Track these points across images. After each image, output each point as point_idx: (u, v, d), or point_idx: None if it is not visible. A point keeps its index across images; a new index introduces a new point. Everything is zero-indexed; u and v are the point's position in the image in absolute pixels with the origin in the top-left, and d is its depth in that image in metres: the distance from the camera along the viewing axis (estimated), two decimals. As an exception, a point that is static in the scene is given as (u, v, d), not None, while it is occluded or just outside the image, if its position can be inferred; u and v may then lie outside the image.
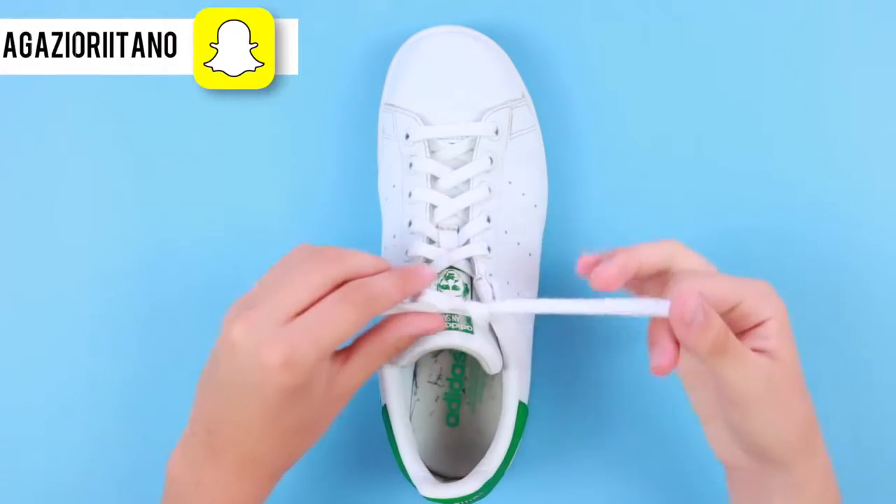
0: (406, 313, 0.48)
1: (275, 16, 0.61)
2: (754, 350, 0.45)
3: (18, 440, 0.61)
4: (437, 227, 0.54)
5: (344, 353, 0.48)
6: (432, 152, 0.55)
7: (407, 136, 0.56)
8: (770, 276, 0.59)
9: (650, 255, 0.47)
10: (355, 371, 0.48)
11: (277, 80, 0.61)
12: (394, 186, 0.57)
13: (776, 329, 0.45)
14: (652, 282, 0.48)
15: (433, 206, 0.54)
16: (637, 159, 0.61)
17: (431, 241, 0.54)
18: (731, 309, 0.45)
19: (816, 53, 0.61)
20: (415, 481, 0.52)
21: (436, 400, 0.58)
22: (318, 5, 0.62)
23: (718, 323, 0.43)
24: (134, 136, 0.62)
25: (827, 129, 0.61)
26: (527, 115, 0.58)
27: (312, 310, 0.44)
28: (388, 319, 0.49)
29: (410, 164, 0.55)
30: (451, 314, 0.51)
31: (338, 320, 0.44)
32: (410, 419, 0.56)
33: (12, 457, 0.61)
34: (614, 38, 0.61)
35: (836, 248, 0.60)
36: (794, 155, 0.61)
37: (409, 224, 0.55)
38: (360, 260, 0.47)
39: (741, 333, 0.45)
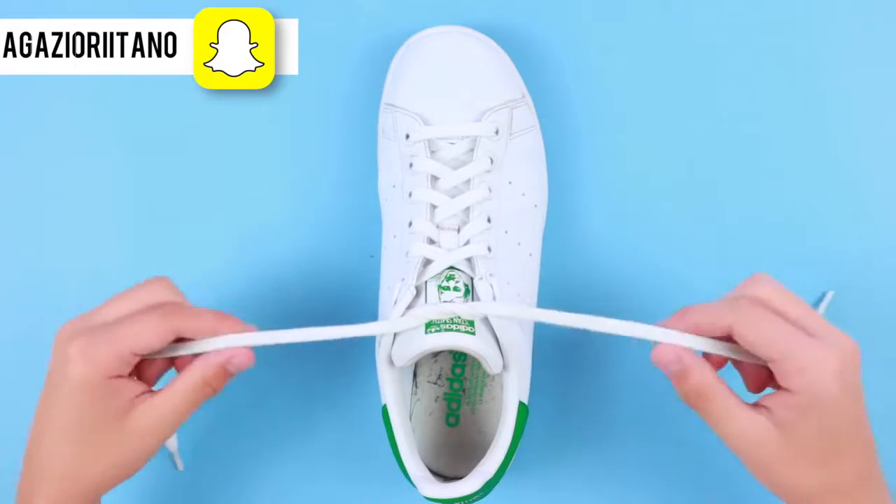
0: (217, 350, 0.48)
1: (275, 16, 0.61)
2: (764, 406, 0.44)
3: (18, 440, 0.61)
4: (437, 227, 0.54)
5: (161, 390, 0.48)
6: (432, 152, 0.55)
7: (407, 137, 0.56)
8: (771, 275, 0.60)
9: (706, 318, 0.46)
10: (161, 402, 0.47)
11: (277, 80, 0.61)
12: (394, 186, 0.57)
13: (793, 402, 0.43)
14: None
15: (433, 207, 0.54)
16: (637, 159, 0.61)
17: (432, 242, 0.54)
18: (773, 360, 0.44)
19: (817, 54, 0.61)
20: (415, 481, 0.52)
21: (436, 400, 0.58)
22: (318, 5, 0.62)
23: (697, 377, 0.44)
24: (134, 136, 0.62)
25: (826, 128, 0.61)
26: (527, 115, 0.58)
27: (122, 318, 0.47)
28: (198, 356, 0.48)
29: (411, 165, 0.55)
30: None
31: (137, 325, 0.46)
32: (410, 419, 0.56)
33: (13, 457, 0.61)
34: (614, 38, 0.61)
35: (835, 247, 0.60)
36: (794, 155, 0.61)
37: (410, 224, 0.55)
38: (188, 320, 0.48)
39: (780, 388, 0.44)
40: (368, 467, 0.61)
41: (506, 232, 0.55)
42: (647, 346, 0.47)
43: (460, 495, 0.51)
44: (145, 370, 0.50)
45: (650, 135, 0.61)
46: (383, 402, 0.54)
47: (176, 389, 0.48)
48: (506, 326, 0.52)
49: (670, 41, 0.61)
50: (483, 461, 0.52)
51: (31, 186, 0.62)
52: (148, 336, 0.46)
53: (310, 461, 0.61)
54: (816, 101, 0.61)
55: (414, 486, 0.52)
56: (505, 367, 0.53)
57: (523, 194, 0.57)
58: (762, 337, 0.44)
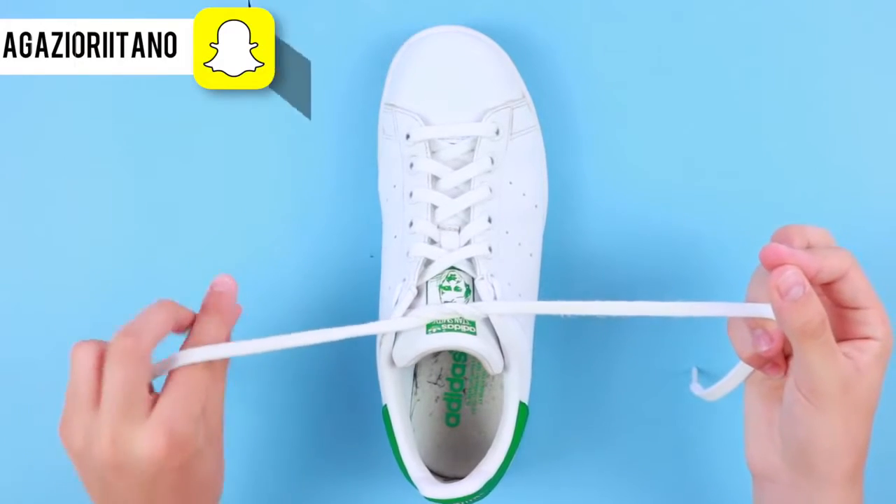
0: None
1: (275, 16, 0.61)
2: (846, 355, 0.45)
3: (19, 441, 0.61)
4: (438, 227, 0.54)
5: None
6: (433, 152, 0.55)
7: (408, 137, 0.56)
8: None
9: (831, 263, 0.45)
10: (166, 399, 0.45)
11: (277, 80, 0.61)
12: (394, 187, 0.57)
13: (877, 351, 0.45)
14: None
15: (434, 207, 0.54)
16: (637, 159, 0.61)
17: (432, 242, 0.54)
18: (853, 309, 0.45)
19: (817, 53, 0.61)
20: (415, 481, 0.52)
21: (436, 400, 0.58)
22: (318, 5, 0.62)
23: (816, 306, 0.43)
24: (134, 136, 0.62)
25: (827, 129, 0.61)
26: (527, 116, 0.58)
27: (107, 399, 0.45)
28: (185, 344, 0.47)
29: (411, 165, 0.55)
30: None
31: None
32: (410, 419, 0.56)
33: (13, 458, 0.61)
34: (614, 38, 0.61)
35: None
36: (794, 156, 0.61)
37: (410, 224, 0.55)
38: (147, 334, 0.46)
39: (843, 339, 0.45)
40: (368, 467, 0.61)
41: (506, 232, 0.55)
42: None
43: (460, 495, 0.51)
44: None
45: (650, 135, 0.61)
46: (383, 402, 0.54)
47: (175, 385, 0.46)
48: (506, 327, 0.52)
49: (670, 41, 0.61)
50: (483, 461, 0.52)
51: (31, 186, 0.62)
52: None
53: (310, 461, 0.61)
54: (818, 101, 0.61)
55: (414, 486, 0.52)
56: (505, 367, 0.53)
57: (524, 194, 0.57)
58: (866, 285, 0.45)
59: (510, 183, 0.56)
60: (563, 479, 0.60)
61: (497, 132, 0.56)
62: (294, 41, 0.62)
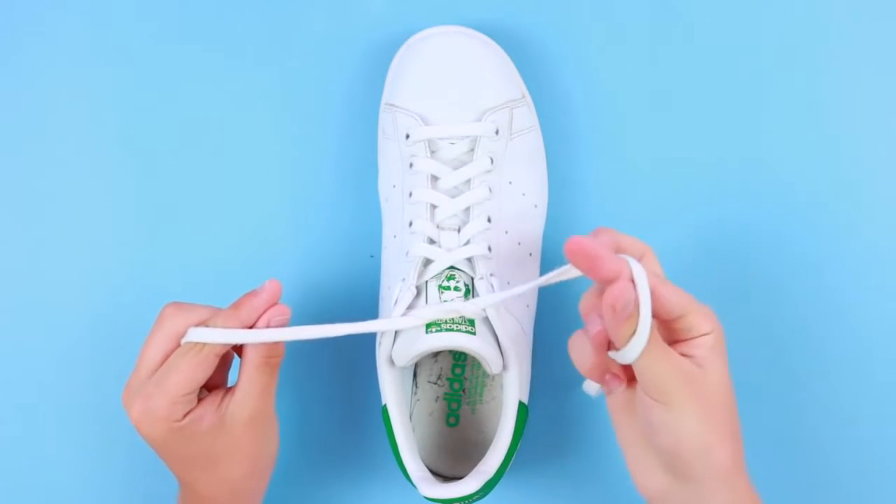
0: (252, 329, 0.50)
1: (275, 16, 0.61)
2: (682, 355, 0.45)
3: (19, 442, 0.61)
4: (437, 227, 0.54)
5: (234, 385, 0.51)
6: (433, 152, 0.55)
7: (407, 136, 0.56)
8: (768, 276, 0.60)
9: (628, 243, 0.47)
10: (241, 395, 0.50)
11: (277, 80, 0.62)
12: (394, 186, 0.57)
13: (710, 343, 0.45)
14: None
15: (434, 206, 0.54)
16: (637, 159, 0.61)
17: (432, 241, 0.54)
18: (675, 319, 0.45)
19: (817, 54, 0.61)
20: (415, 481, 0.52)
21: (436, 400, 0.58)
22: (318, 5, 0.62)
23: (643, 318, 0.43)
24: (134, 136, 0.62)
25: (827, 131, 0.61)
26: (527, 115, 0.58)
27: (163, 366, 0.49)
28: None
29: (411, 164, 0.55)
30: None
31: (178, 368, 0.48)
32: (410, 419, 0.56)
33: (13, 459, 0.61)
34: (614, 39, 0.61)
35: (835, 248, 0.60)
36: (793, 156, 0.61)
37: (410, 224, 0.55)
38: (196, 311, 0.50)
39: (675, 342, 0.46)
40: (368, 467, 0.61)
41: (506, 232, 0.55)
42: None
43: (460, 495, 0.51)
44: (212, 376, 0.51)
45: (650, 135, 0.61)
46: (383, 402, 0.54)
47: (248, 377, 0.50)
48: (506, 326, 0.52)
49: (670, 41, 0.61)
50: (483, 461, 0.52)
51: (31, 186, 0.62)
52: (190, 376, 0.48)
53: (310, 461, 0.61)
54: (818, 101, 0.61)
55: (414, 486, 0.52)
56: (505, 367, 0.53)
57: (523, 194, 0.57)
58: (675, 296, 0.45)
59: (510, 183, 0.56)
60: (562, 478, 0.60)
61: (497, 132, 0.56)
62: (294, 41, 0.62)
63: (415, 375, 0.58)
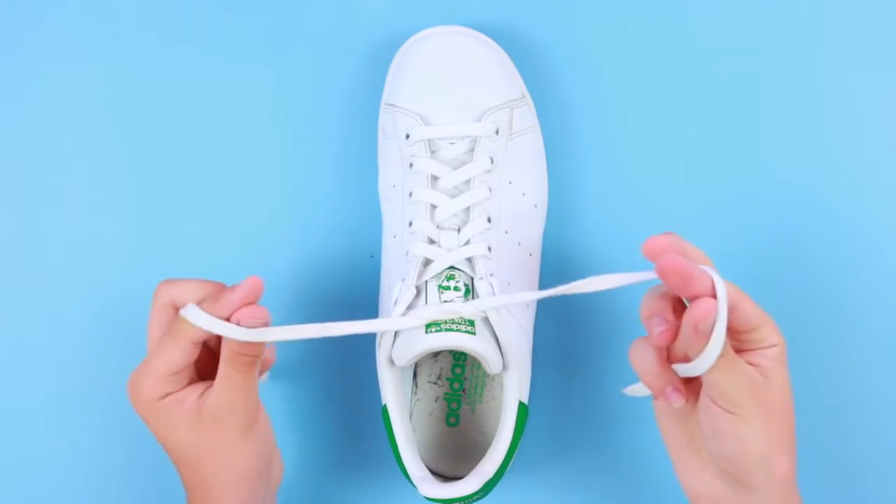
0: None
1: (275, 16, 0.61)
2: (749, 363, 0.45)
3: (20, 442, 0.61)
4: (437, 227, 0.54)
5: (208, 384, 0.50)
6: (433, 152, 0.55)
7: (407, 136, 0.56)
8: (769, 276, 0.60)
9: (690, 250, 0.46)
10: (216, 388, 0.49)
11: (277, 80, 0.62)
12: (394, 186, 0.57)
13: (776, 355, 0.46)
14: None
15: (433, 206, 0.54)
16: (637, 159, 0.61)
17: (432, 241, 0.54)
18: (749, 331, 0.45)
19: (817, 53, 0.61)
20: (415, 481, 0.52)
21: (436, 400, 0.58)
22: (318, 5, 0.62)
23: (722, 333, 0.43)
24: (133, 136, 0.62)
25: (827, 130, 0.61)
26: (527, 115, 0.58)
27: (156, 344, 0.50)
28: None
29: (411, 164, 0.55)
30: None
31: (161, 351, 0.48)
32: (410, 419, 0.56)
33: (14, 459, 0.61)
34: (614, 38, 0.61)
35: (836, 248, 0.60)
36: (794, 155, 0.61)
37: (410, 224, 0.55)
38: (181, 287, 0.50)
39: (741, 351, 0.46)
40: (368, 467, 0.61)
41: (506, 232, 0.55)
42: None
43: (460, 495, 0.51)
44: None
45: (650, 135, 0.61)
46: (383, 402, 0.54)
47: (224, 373, 0.49)
48: (506, 326, 0.52)
49: (670, 41, 0.61)
50: (483, 461, 0.52)
51: (31, 186, 0.62)
52: (172, 356, 0.48)
53: (309, 461, 0.61)
54: (818, 101, 0.61)
55: (414, 486, 0.52)
56: (505, 367, 0.53)
57: (523, 194, 0.57)
58: (753, 309, 0.45)
59: (510, 183, 0.56)
60: (562, 479, 0.60)
61: (497, 132, 0.56)
62: (294, 41, 0.62)
63: (415, 375, 0.58)
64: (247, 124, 0.62)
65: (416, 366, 0.58)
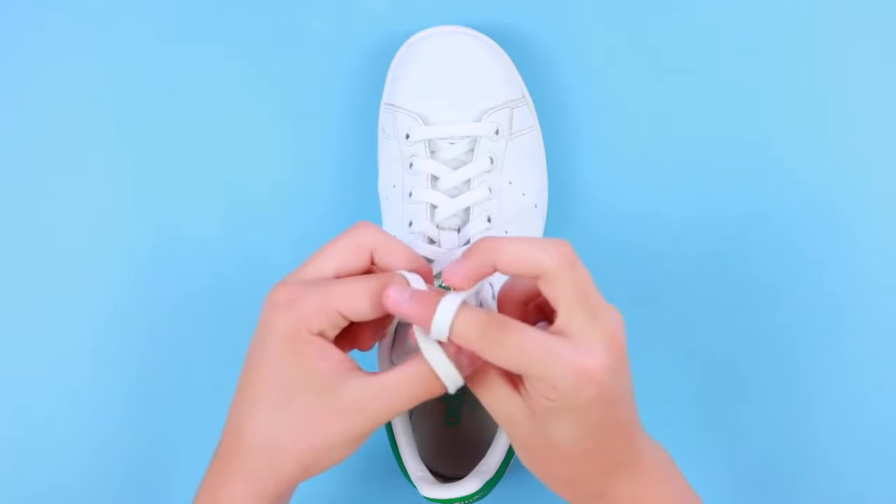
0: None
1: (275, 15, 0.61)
2: (521, 385, 0.42)
3: (21, 443, 0.61)
4: (437, 227, 0.54)
5: (374, 373, 0.44)
6: (433, 152, 0.55)
7: (407, 136, 0.56)
8: (769, 276, 0.60)
9: (512, 261, 0.41)
10: (379, 383, 0.42)
11: (277, 80, 0.62)
12: (394, 186, 0.57)
13: (549, 403, 0.40)
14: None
15: (433, 207, 0.55)
16: (637, 159, 0.61)
17: (432, 242, 0.54)
18: (533, 295, 0.44)
19: (816, 53, 0.61)
20: (415, 481, 0.52)
21: (436, 400, 0.58)
22: (318, 5, 0.62)
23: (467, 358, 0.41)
24: (134, 137, 0.62)
25: (828, 128, 0.61)
26: (527, 115, 0.58)
27: (335, 279, 0.43)
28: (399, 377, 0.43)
29: (411, 164, 0.55)
30: None
31: (349, 286, 0.42)
32: (410, 419, 0.56)
33: (15, 460, 0.61)
34: (615, 39, 0.61)
35: (836, 245, 0.60)
36: (795, 154, 0.61)
37: (410, 224, 0.55)
38: (390, 244, 0.44)
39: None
40: (368, 467, 0.61)
41: (506, 232, 0.55)
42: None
43: (460, 495, 0.51)
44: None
45: (650, 134, 0.61)
46: (383, 402, 0.54)
47: (403, 373, 0.42)
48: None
49: (670, 41, 0.61)
50: (483, 461, 0.52)
51: (31, 185, 0.62)
52: (359, 300, 0.42)
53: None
54: (818, 100, 0.61)
55: (414, 486, 0.52)
56: (505, 367, 0.53)
57: (523, 194, 0.57)
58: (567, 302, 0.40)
59: (510, 183, 0.56)
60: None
61: (497, 132, 0.56)
62: (294, 41, 0.62)
63: (415, 375, 0.58)
64: (247, 124, 0.62)
65: (416, 366, 0.58)
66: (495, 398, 0.43)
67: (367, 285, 0.42)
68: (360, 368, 0.43)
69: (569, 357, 0.40)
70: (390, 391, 0.42)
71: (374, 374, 0.43)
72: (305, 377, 0.42)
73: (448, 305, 0.40)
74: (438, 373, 0.42)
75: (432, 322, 0.40)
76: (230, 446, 0.44)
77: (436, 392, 0.42)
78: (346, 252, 0.44)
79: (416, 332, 0.42)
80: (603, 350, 0.40)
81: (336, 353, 0.43)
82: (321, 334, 0.42)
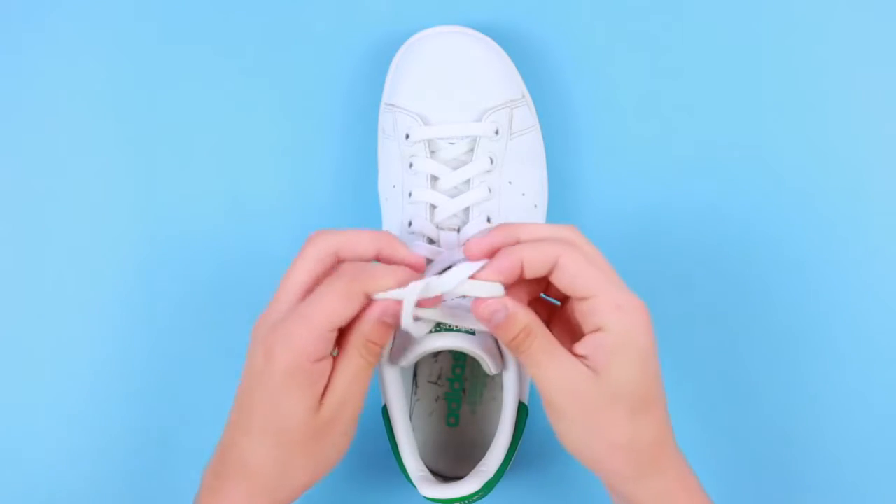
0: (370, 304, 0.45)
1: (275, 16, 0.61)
2: (579, 355, 0.44)
3: (22, 443, 0.61)
4: (437, 227, 0.54)
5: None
6: (432, 152, 0.55)
7: (407, 136, 0.56)
8: (769, 276, 0.60)
9: (534, 256, 0.44)
10: (341, 370, 0.45)
11: (277, 79, 0.62)
12: (394, 186, 0.57)
13: (609, 345, 0.43)
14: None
15: (433, 207, 0.54)
16: (637, 159, 0.61)
17: (432, 242, 0.54)
18: (582, 300, 0.44)
19: (816, 53, 0.61)
20: (415, 481, 0.52)
21: (436, 400, 0.58)
22: (318, 5, 0.62)
23: (521, 324, 0.43)
24: (133, 136, 0.62)
25: (828, 128, 0.61)
26: (527, 115, 0.58)
27: (309, 297, 0.45)
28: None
29: (410, 164, 0.55)
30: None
31: (325, 299, 0.44)
32: (410, 419, 0.56)
33: (16, 460, 0.61)
34: (614, 38, 0.61)
35: (836, 245, 0.60)
36: (795, 155, 0.61)
37: (410, 224, 0.55)
38: (348, 237, 0.46)
39: (581, 337, 0.45)
40: (368, 467, 0.61)
41: (506, 232, 0.55)
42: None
43: (460, 495, 0.51)
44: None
45: (650, 134, 0.61)
46: (383, 402, 0.54)
47: (347, 354, 0.45)
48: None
49: (670, 41, 0.61)
50: (483, 461, 0.52)
51: (30, 186, 0.62)
52: (339, 307, 0.44)
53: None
54: (818, 100, 0.61)
55: (414, 486, 0.52)
56: (504, 367, 0.53)
57: (523, 194, 0.57)
58: (584, 271, 0.43)
59: (510, 183, 0.56)
60: (562, 478, 0.60)
61: (497, 132, 0.56)
62: (294, 41, 0.62)
63: (415, 375, 0.58)
64: (247, 124, 0.62)
65: (417, 366, 0.58)
66: (559, 368, 0.44)
67: (334, 288, 0.44)
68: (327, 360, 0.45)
69: (624, 289, 0.44)
70: (347, 384, 0.45)
71: (333, 372, 0.45)
72: (304, 410, 0.45)
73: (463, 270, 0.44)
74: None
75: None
76: (231, 471, 0.46)
77: (372, 358, 0.45)
78: (310, 266, 0.46)
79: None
80: (642, 304, 0.44)
81: (327, 371, 0.45)
82: (319, 359, 0.44)
